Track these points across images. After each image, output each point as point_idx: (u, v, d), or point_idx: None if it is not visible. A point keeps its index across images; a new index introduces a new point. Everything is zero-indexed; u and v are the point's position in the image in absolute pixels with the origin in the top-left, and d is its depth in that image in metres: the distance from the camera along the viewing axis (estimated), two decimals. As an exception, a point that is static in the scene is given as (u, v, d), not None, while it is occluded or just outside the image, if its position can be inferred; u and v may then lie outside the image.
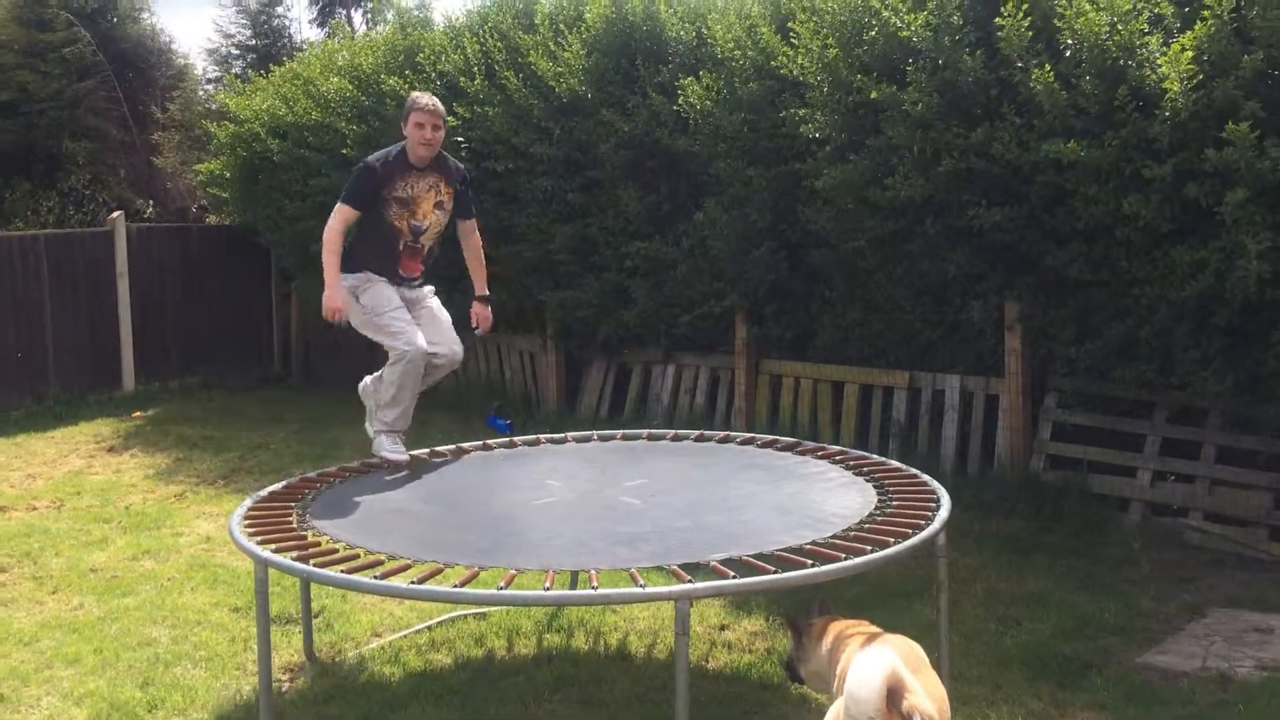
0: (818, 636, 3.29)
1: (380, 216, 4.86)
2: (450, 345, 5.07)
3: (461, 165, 5.27)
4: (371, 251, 4.93)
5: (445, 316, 5.17)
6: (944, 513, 3.73)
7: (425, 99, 4.87)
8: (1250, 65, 4.77)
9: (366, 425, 5.13)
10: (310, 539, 3.78)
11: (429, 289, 5.16)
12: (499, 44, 8.36)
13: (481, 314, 5.32)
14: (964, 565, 5.27)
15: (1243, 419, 5.69)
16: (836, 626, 3.26)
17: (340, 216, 4.86)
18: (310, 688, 4.26)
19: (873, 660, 2.51)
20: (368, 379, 5.23)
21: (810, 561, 3.30)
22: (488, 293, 5.35)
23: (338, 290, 4.82)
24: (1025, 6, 5.35)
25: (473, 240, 5.28)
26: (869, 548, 3.41)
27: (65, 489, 7.50)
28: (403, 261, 4.96)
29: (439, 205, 4.98)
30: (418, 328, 4.92)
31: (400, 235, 4.91)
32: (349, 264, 4.90)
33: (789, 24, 6.53)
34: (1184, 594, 4.99)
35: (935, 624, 3.99)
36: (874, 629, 3.21)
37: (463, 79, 8.39)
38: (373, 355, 12.08)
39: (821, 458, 4.68)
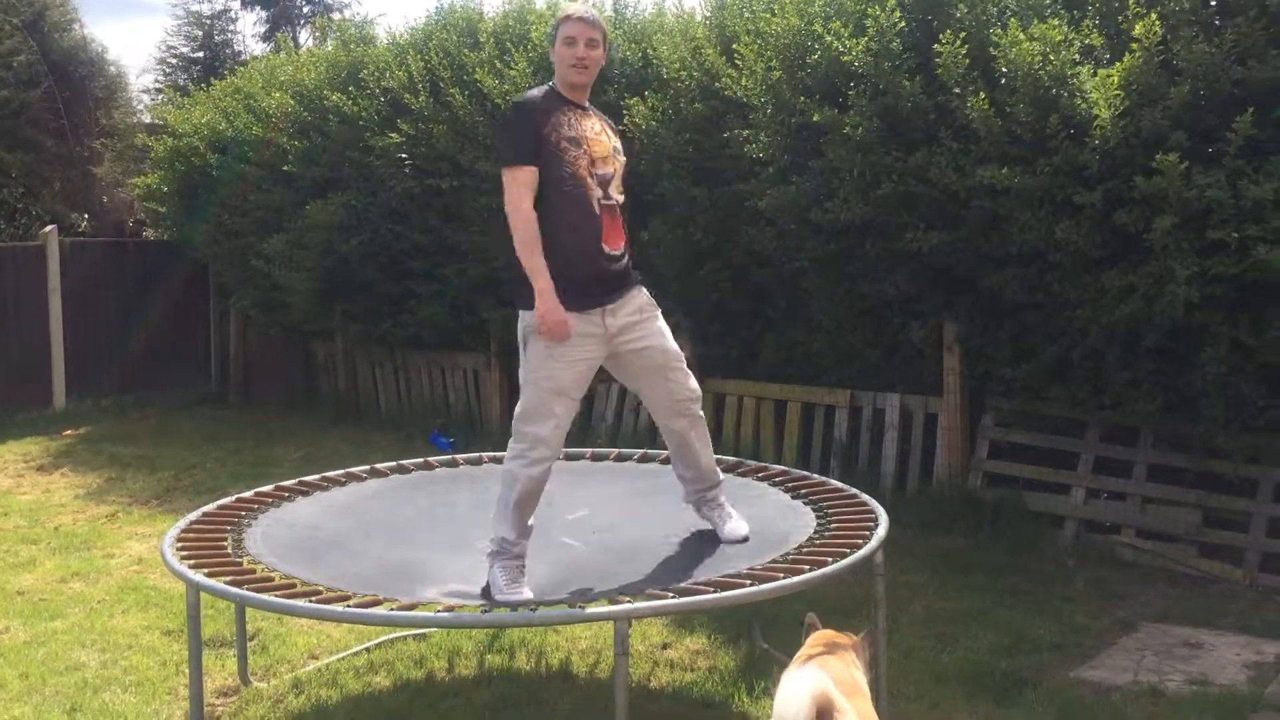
0: (801, 655, 3.14)
1: (556, 175, 3.56)
2: (675, 405, 3.89)
3: None
4: (561, 239, 3.56)
5: (672, 348, 3.83)
6: (881, 531, 3.77)
7: (576, 5, 3.75)
8: (1177, 96, 4.91)
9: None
10: (245, 564, 3.72)
11: (641, 300, 3.76)
12: (444, 61, 8.34)
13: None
14: (903, 583, 5.32)
15: (1172, 438, 5.83)
16: (811, 641, 3.08)
17: (520, 187, 3.53)
18: (244, 712, 4.18)
19: (802, 681, 2.44)
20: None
21: (748, 582, 3.32)
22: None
23: (554, 298, 3.49)
24: (963, 35, 5.47)
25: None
26: (806, 567, 3.43)
27: (-8, 509, 7.31)
28: (604, 229, 3.62)
29: (617, 151, 3.75)
30: (563, 434, 3.68)
31: (590, 190, 3.59)
32: (529, 288, 3.53)
33: (734, 46, 6.60)
34: (1117, 609, 5.09)
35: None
36: (834, 641, 3.04)
37: (407, 96, 8.36)
38: (310, 376, 11.90)
39: (763, 479, 4.71)
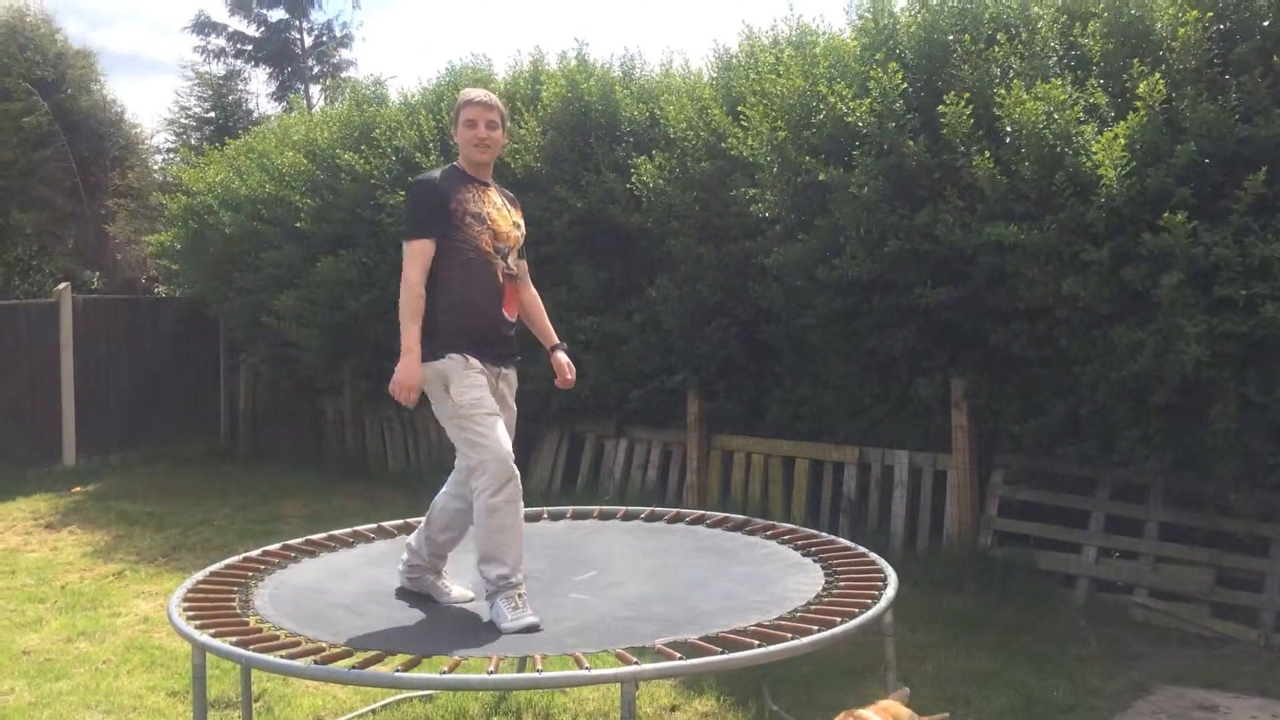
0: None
1: (460, 245, 3.78)
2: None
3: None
4: (466, 302, 3.81)
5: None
6: (890, 591, 3.74)
7: (475, 91, 3.97)
8: (1183, 154, 4.95)
9: (405, 577, 4.10)
10: (251, 624, 3.70)
11: (513, 377, 4.08)
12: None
13: (564, 364, 4.24)
14: (914, 643, 5.26)
15: (1183, 496, 5.79)
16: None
17: (416, 258, 3.76)
18: (248, 775, 4.13)
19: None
20: (411, 539, 4.16)
21: (756, 642, 3.29)
22: (560, 341, 4.31)
23: (416, 362, 3.73)
24: (967, 95, 5.53)
25: (530, 286, 4.21)
26: (815, 628, 3.40)
27: (-1, 567, 7.30)
28: (505, 298, 3.89)
29: (516, 225, 3.98)
30: (509, 446, 3.86)
31: (493, 261, 3.84)
32: (436, 342, 3.78)
33: (739, 106, 6.68)
34: (1131, 671, 5.01)
35: (884, 704, 3.97)
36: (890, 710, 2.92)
37: (418, 154, 8.46)
38: (319, 432, 11.90)
39: (771, 537, 4.68)
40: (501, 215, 3.92)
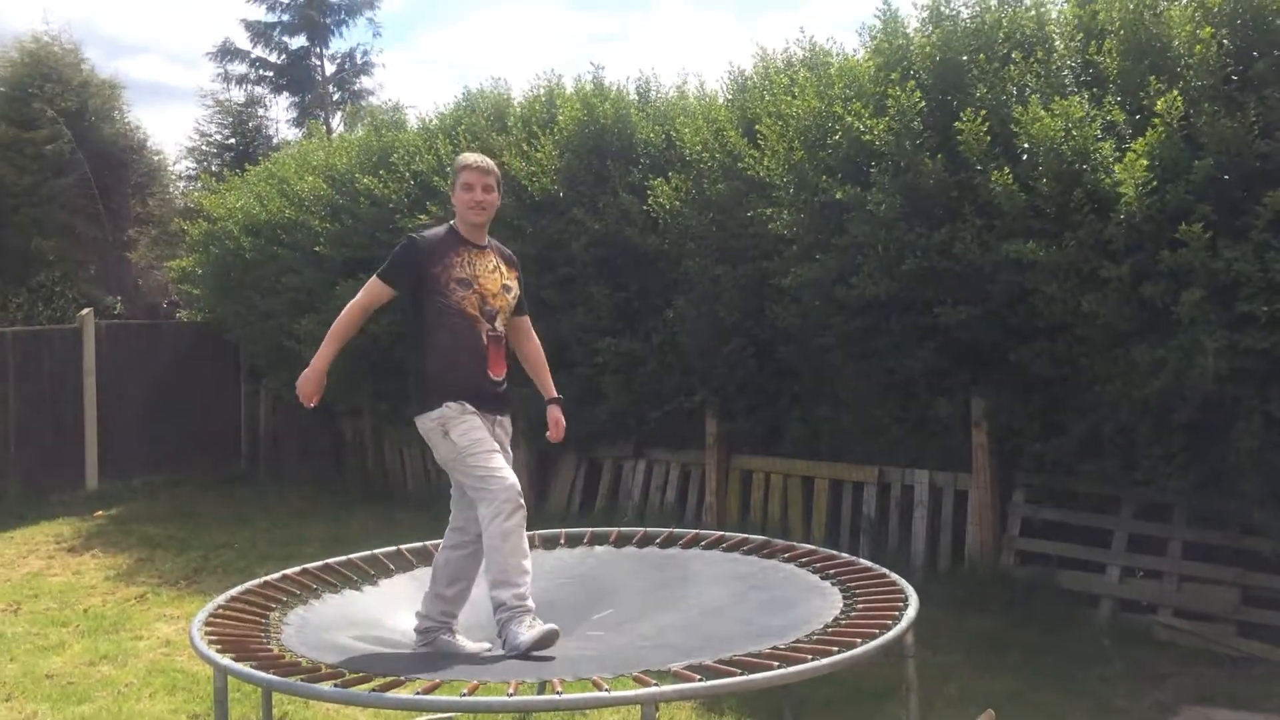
0: None
1: (446, 308, 3.93)
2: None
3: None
4: (453, 362, 3.95)
5: None
6: (911, 612, 3.71)
7: (472, 156, 4.08)
8: (1201, 170, 4.93)
9: (420, 643, 4.03)
10: (274, 649, 3.70)
11: (508, 425, 4.19)
12: (473, 144, 8.51)
13: (556, 419, 4.36)
14: (936, 664, 5.22)
15: (1207, 514, 5.73)
16: None
17: (366, 293, 3.99)
18: (269, 799, 4.13)
19: None
20: (420, 607, 4.10)
21: (776, 664, 3.27)
22: (558, 395, 4.41)
23: (320, 373, 3.96)
24: (983, 113, 5.53)
25: (532, 339, 4.35)
26: (836, 649, 3.38)
27: (23, 591, 7.33)
28: (490, 358, 4.00)
29: (506, 289, 4.08)
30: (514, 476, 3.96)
31: (478, 323, 3.97)
32: (431, 394, 3.93)
33: (755, 127, 6.70)
34: (1156, 692, 4.96)
35: (907, 726, 3.94)
36: None
37: (435, 179, 8.52)
38: (338, 455, 11.93)
39: (790, 559, 4.64)
40: (492, 279, 4.03)
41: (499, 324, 4.04)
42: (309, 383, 3.97)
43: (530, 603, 3.76)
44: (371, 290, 3.98)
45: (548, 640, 3.64)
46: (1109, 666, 5.21)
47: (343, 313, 3.99)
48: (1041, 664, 5.30)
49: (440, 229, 4.11)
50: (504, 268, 4.12)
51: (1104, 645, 5.45)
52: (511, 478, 3.88)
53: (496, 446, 3.97)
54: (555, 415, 4.35)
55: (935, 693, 4.84)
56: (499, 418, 4.10)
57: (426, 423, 3.95)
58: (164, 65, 35.41)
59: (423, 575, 4.82)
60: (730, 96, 7.72)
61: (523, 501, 3.88)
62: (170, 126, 33.62)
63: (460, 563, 4.09)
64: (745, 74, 7.75)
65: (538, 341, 4.38)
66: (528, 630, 3.66)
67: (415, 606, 4.15)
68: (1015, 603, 6.02)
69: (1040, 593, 6.03)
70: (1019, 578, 6.17)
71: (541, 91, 8.86)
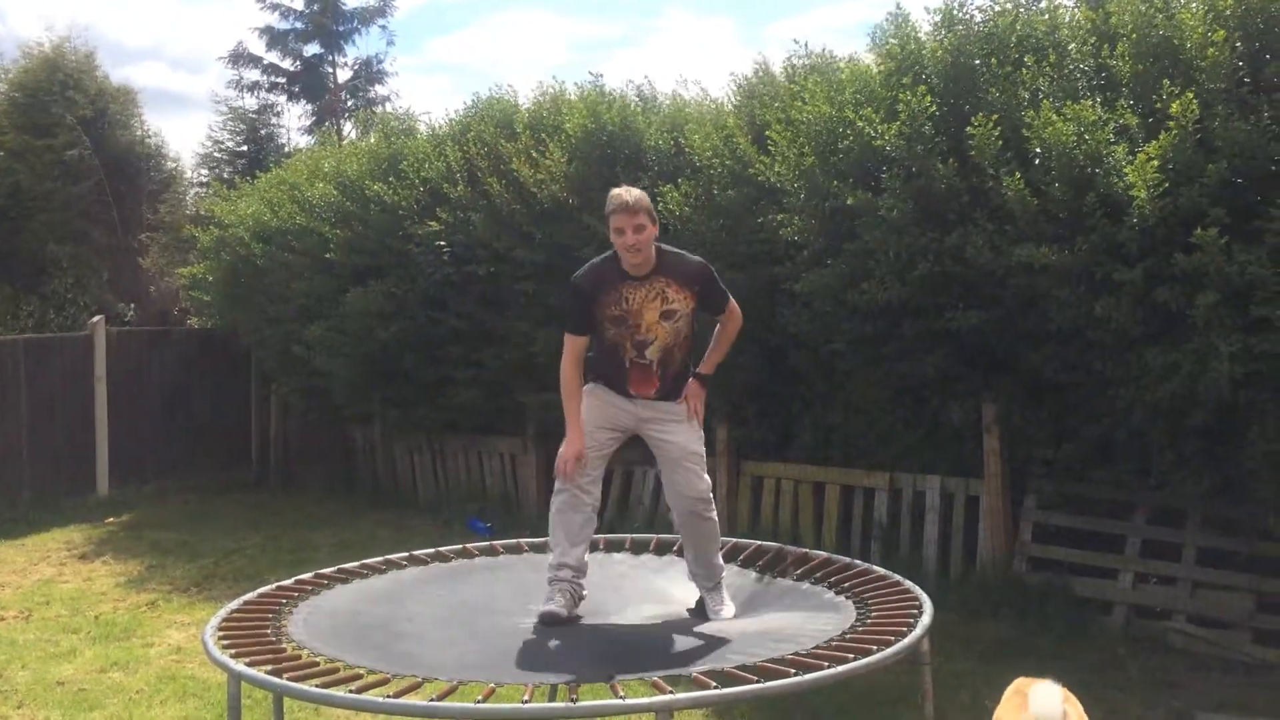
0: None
1: (600, 337, 4.13)
2: (679, 499, 4.21)
3: (698, 259, 4.25)
4: (597, 364, 4.19)
5: (690, 448, 4.19)
6: (926, 618, 3.69)
7: (618, 196, 3.98)
8: (1214, 173, 4.91)
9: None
10: (288, 651, 3.69)
11: (679, 408, 4.18)
12: (481, 151, 8.52)
13: (695, 393, 4.23)
14: (950, 671, 5.19)
15: (1222, 520, 5.70)
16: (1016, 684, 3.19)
17: (569, 350, 4.12)
18: (281, 806, 4.12)
19: (1047, 685, 2.85)
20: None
21: (793, 670, 3.25)
22: (707, 373, 4.31)
23: (578, 439, 4.07)
24: (995, 117, 5.51)
25: (728, 323, 4.31)
26: (851, 655, 3.36)
27: (34, 598, 7.34)
28: (631, 379, 4.13)
29: (667, 315, 4.06)
30: (592, 473, 4.17)
31: (624, 352, 4.11)
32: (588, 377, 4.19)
33: (766, 133, 6.69)
34: (1171, 699, 4.93)
35: (921, 733, 3.92)
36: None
37: (445, 185, 8.53)
38: (349, 461, 11.97)
39: (802, 565, 4.62)
40: (651, 308, 4.04)
41: (649, 353, 4.10)
42: (574, 447, 4.08)
43: (559, 573, 4.04)
44: (570, 343, 4.12)
45: (545, 620, 3.94)
46: (1123, 674, 5.18)
47: (562, 376, 4.12)
48: (1055, 671, 5.21)
49: (601, 260, 4.13)
50: (671, 290, 4.06)
51: (1118, 653, 5.42)
52: (571, 467, 4.07)
53: (607, 429, 4.16)
54: (690, 389, 4.24)
55: (948, 700, 4.81)
56: (640, 408, 4.19)
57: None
58: (168, 72, 35.47)
59: (436, 573, 4.83)
60: (738, 103, 7.71)
61: (569, 498, 4.12)
62: (176, 132, 33.65)
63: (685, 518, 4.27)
64: (751, 80, 7.73)
65: (733, 324, 4.33)
66: (546, 601, 4.00)
67: (429, 590, 4.33)
68: (1028, 609, 5.99)
69: (1053, 599, 6.00)
70: (1031, 584, 6.15)
71: (546, 98, 8.86)
